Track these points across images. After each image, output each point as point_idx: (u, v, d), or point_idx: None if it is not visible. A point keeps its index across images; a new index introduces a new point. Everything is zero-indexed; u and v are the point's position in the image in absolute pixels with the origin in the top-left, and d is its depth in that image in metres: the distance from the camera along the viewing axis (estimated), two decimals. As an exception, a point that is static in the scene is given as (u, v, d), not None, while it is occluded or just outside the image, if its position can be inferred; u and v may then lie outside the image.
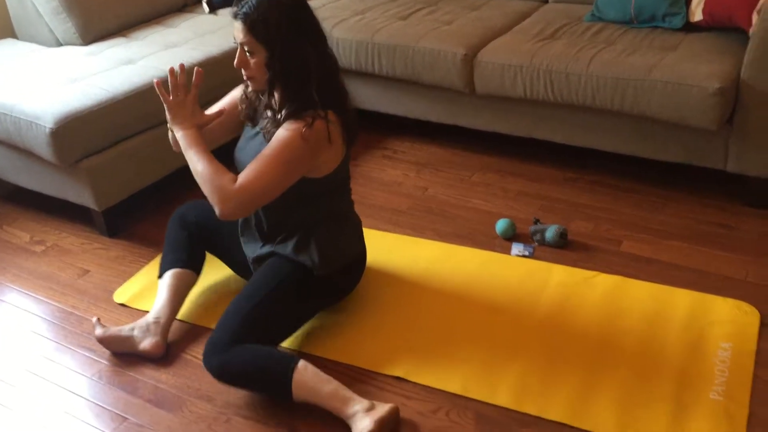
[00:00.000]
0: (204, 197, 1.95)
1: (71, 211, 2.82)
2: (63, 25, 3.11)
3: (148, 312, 2.17)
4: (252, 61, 1.90)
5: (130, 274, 2.51)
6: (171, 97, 1.96)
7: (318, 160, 1.95)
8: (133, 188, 2.75)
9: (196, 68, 1.97)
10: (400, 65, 3.03)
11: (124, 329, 2.12)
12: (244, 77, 1.97)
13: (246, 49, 1.89)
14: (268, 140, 1.94)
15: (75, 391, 2.06)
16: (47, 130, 2.47)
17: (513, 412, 1.86)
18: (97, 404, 2.01)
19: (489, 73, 2.84)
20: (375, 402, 1.83)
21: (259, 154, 1.90)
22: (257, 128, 2.05)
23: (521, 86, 2.78)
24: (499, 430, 1.82)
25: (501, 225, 2.55)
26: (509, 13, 3.22)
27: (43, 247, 2.72)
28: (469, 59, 2.88)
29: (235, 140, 2.18)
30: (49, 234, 2.80)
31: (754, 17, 2.42)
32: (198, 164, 1.91)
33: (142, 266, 2.55)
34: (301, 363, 1.85)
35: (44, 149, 2.53)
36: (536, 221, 2.54)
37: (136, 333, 2.11)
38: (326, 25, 2.36)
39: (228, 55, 2.99)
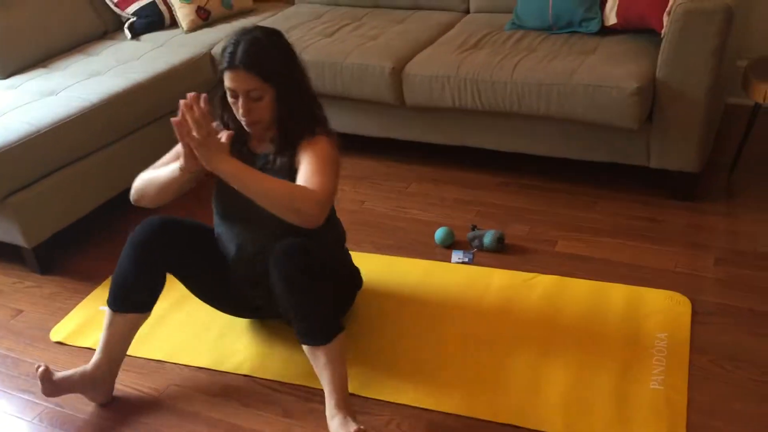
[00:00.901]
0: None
1: (0, 249, 2.73)
2: (-22, 59, 3.02)
3: (87, 348, 2.08)
4: (260, 104, 1.83)
5: (66, 311, 2.44)
6: (197, 134, 1.69)
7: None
8: (64, 222, 2.68)
9: (203, 95, 1.71)
10: (329, 82, 3.04)
11: (75, 387, 1.97)
12: (246, 124, 1.86)
13: (252, 95, 1.82)
14: (288, 171, 1.88)
15: (15, 436, 1.99)
16: (-31, 169, 2.39)
17: (464, 418, 1.88)
18: (40, 448, 1.95)
19: (417, 85, 2.88)
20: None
21: (304, 169, 1.82)
22: (259, 164, 1.94)
23: (449, 96, 2.83)
24: (452, 437, 1.84)
25: (439, 233, 2.58)
26: (433, 25, 3.27)
27: (-29, 290, 2.62)
28: (397, 72, 2.91)
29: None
30: (-24, 275, 2.70)
31: (665, 19, 2.53)
32: (266, 185, 1.74)
33: (78, 302, 2.47)
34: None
35: (-33, 188, 2.44)
36: (474, 227, 2.59)
37: (87, 386, 1.99)
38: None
39: (154, 80, 2.95)
